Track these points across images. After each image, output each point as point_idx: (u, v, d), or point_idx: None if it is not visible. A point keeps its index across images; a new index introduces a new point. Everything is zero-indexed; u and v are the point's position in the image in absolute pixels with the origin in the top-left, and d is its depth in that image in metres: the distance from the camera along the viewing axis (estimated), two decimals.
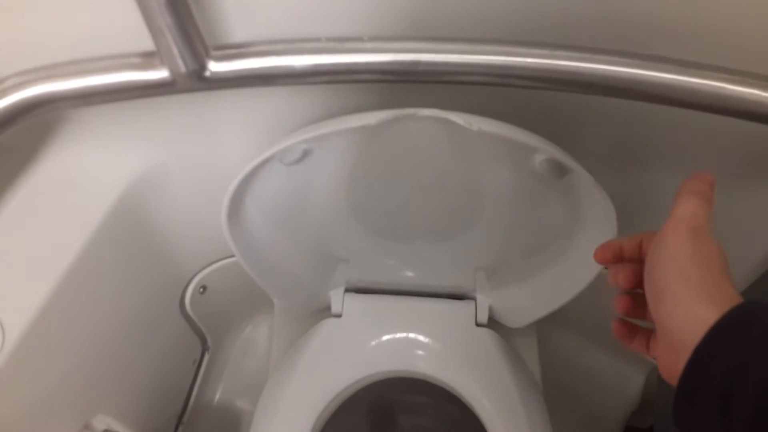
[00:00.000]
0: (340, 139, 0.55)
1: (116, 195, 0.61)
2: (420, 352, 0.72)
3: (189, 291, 0.81)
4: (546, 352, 0.80)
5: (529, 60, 0.43)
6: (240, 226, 0.61)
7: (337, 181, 0.62)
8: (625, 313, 0.40)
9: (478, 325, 0.74)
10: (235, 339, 1.02)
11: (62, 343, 0.58)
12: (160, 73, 0.45)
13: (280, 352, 0.80)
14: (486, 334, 0.73)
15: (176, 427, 0.87)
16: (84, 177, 0.59)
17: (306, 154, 0.55)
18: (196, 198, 0.68)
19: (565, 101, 0.50)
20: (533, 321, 0.72)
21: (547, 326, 0.78)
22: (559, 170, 0.52)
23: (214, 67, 0.45)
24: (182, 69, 0.44)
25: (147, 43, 0.43)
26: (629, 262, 0.41)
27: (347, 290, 0.76)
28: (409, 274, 0.77)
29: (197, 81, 0.45)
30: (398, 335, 0.73)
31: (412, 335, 0.73)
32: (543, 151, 0.50)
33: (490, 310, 0.74)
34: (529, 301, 0.72)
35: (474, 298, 0.75)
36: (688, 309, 0.31)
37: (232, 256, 0.63)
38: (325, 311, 0.76)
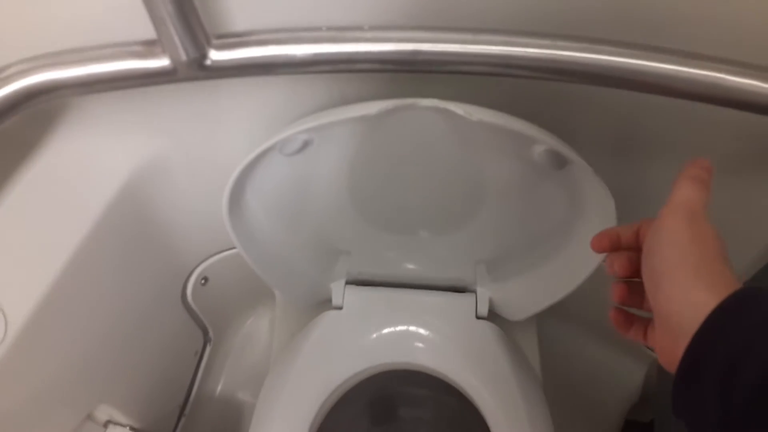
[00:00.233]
0: (340, 129, 0.55)
1: (118, 184, 0.61)
2: (420, 345, 0.72)
3: (191, 282, 0.82)
4: (546, 345, 0.80)
5: (530, 50, 0.43)
6: (241, 218, 0.62)
7: (337, 172, 0.62)
8: (622, 301, 0.41)
9: (478, 317, 0.74)
10: (237, 331, 1.02)
11: (64, 334, 0.58)
12: (161, 62, 0.45)
13: (281, 344, 0.81)
14: (486, 327, 0.73)
15: (178, 419, 0.87)
16: (86, 166, 0.60)
17: (306, 144, 0.56)
18: (198, 188, 0.68)
19: (566, 92, 0.50)
20: (533, 314, 0.72)
21: (547, 319, 0.78)
22: (559, 161, 0.52)
23: (215, 55, 0.45)
24: (183, 57, 0.44)
25: (149, 32, 0.43)
26: (626, 251, 0.41)
27: (348, 282, 0.76)
28: (410, 266, 0.77)
29: (198, 69, 0.45)
30: (399, 328, 0.74)
31: (412, 328, 0.73)
32: (542, 141, 0.50)
33: (491, 302, 0.74)
34: (530, 293, 0.72)
35: (474, 291, 0.75)
36: (688, 293, 0.31)
37: (234, 247, 0.63)
38: (326, 303, 0.76)
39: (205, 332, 0.92)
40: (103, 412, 0.69)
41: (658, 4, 0.44)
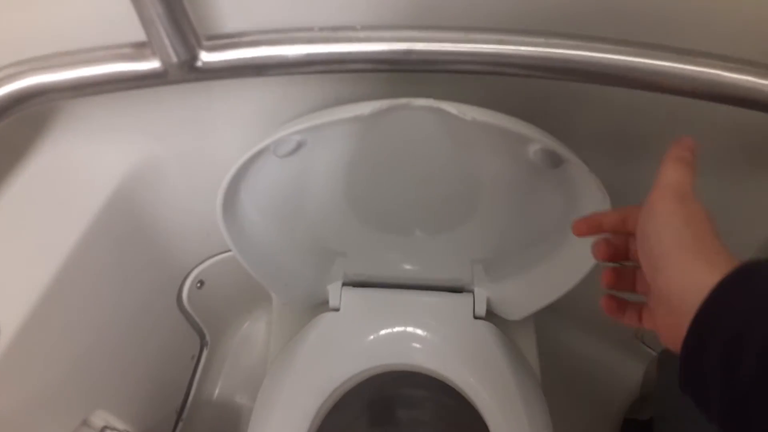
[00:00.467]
0: (333, 129, 0.55)
1: (111, 188, 0.60)
2: (418, 346, 0.72)
3: (186, 286, 0.81)
4: (544, 343, 0.80)
5: (524, 48, 0.42)
6: (236, 220, 0.61)
7: (332, 173, 0.62)
8: (610, 285, 0.41)
9: (476, 317, 0.73)
10: (234, 334, 1.02)
11: (59, 339, 0.58)
12: (152, 64, 0.44)
13: (278, 347, 0.80)
14: (484, 327, 0.73)
15: (176, 423, 0.87)
16: (78, 170, 0.59)
17: (300, 145, 0.55)
18: (192, 191, 0.68)
19: (560, 90, 0.50)
20: (531, 313, 0.72)
21: (545, 318, 0.78)
22: (554, 160, 0.52)
23: (206, 57, 0.45)
24: (174, 59, 0.44)
25: (139, 34, 0.43)
26: (610, 235, 0.42)
27: (345, 284, 0.75)
28: (407, 267, 0.77)
29: (189, 71, 0.45)
30: (396, 329, 0.73)
31: (410, 329, 0.73)
32: (537, 140, 0.49)
33: (488, 302, 0.74)
34: (527, 293, 0.71)
35: (472, 291, 0.74)
36: (688, 272, 0.32)
37: (230, 250, 0.63)
38: (323, 305, 0.76)
39: (202, 336, 0.91)
40: (100, 418, 0.68)
41: (652, 1, 0.43)
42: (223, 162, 0.55)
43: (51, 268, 0.55)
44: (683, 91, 0.42)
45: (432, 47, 0.43)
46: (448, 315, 0.74)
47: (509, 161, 0.57)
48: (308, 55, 0.45)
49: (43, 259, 0.55)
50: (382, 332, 0.73)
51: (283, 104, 0.57)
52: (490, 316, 0.74)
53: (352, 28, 0.45)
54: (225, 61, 0.45)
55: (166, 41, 0.43)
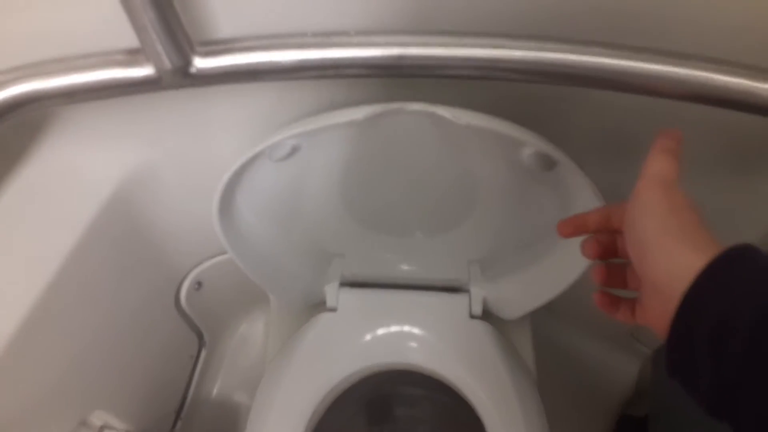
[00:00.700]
0: (328, 134, 0.55)
1: (107, 193, 0.61)
2: (415, 345, 0.72)
3: (184, 287, 0.81)
4: (541, 342, 0.80)
5: (517, 52, 0.43)
6: (232, 223, 0.61)
7: (328, 176, 0.62)
8: (602, 282, 0.42)
9: (472, 317, 0.74)
10: (232, 334, 1.02)
11: (57, 341, 0.58)
12: (145, 70, 0.45)
13: (276, 347, 0.81)
14: (480, 326, 0.73)
15: (174, 423, 0.87)
16: (74, 175, 0.59)
17: (295, 150, 0.55)
18: (189, 195, 0.68)
19: (554, 93, 0.50)
20: (527, 312, 0.72)
21: (541, 317, 0.78)
22: (548, 163, 0.52)
23: (200, 63, 0.45)
24: (167, 66, 0.44)
25: (133, 40, 0.43)
26: (596, 233, 0.42)
27: (342, 284, 0.75)
28: (404, 267, 0.77)
29: (183, 78, 0.45)
30: (393, 328, 0.73)
31: (407, 328, 0.73)
32: (531, 143, 0.49)
33: (485, 302, 0.74)
34: (523, 292, 0.72)
35: (468, 291, 0.75)
36: (673, 258, 0.32)
37: (228, 252, 0.63)
38: (320, 305, 0.76)
39: (200, 336, 0.92)
40: (98, 418, 0.68)
41: (644, 4, 0.43)
42: (219, 166, 0.55)
43: (48, 271, 0.55)
44: (675, 94, 0.42)
45: (425, 52, 0.43)
46: (445, 314, 0.74)
47: (503, 164, 0.57)
48: (301, 60, 0.45)
49: (40, 262, 0.55)
50: (379, 332, 0.73)
51: (278, 108, 0.57)
52: (487, 315, 0.75)
53: (345, 34, 0.45)
54: (219, 67, 0.45)
55: (159, 47, 0.43)
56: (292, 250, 0.72)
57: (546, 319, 0.82)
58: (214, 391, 0.99)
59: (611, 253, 0.42)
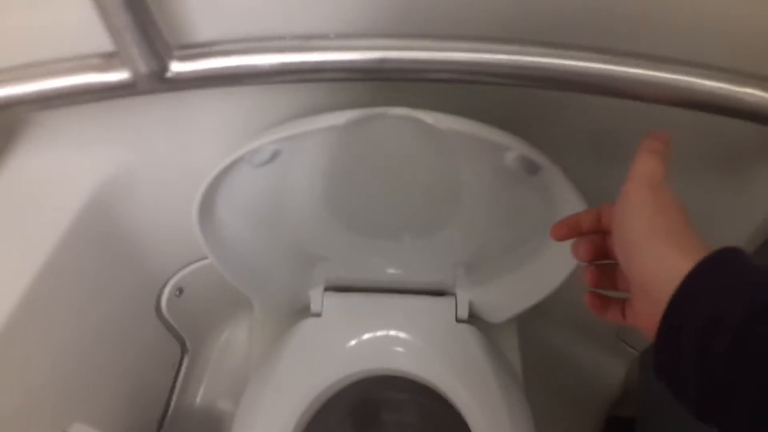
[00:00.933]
0: (309, 139, 0.54)
1: (85, 199, 0.59)
2: (401, 350, 0.72)
3: (165, 294, 0.80)
4: (527, 344, 0.80)
5: (499, 56, 0.42)
6: (213, 229, 0.60)
7: (310, 181, 0.61)
8: (594, 284, 0.41)
9: (458, 320, 0.73)
10: (215, 340, 1.01)
11: (33, 351, 0.57)
12: (120, 75, 0.44)
13: (260, 353, 0.80)
14: (466, 330, 0.72)
15: None
16: (50, 182, 0.58)
17: (275, 154, 0.54)
18: (168, 200, 0.67)
19: (538, 97, 0.50)
20: (514, 315, 0.72)
21: (528, 319, 0.78)
22: (531, 167, 0.52)
23: (177, 67, 0.44)
24: (143, 70, 0.43)
25: (108, 43, 0.42)
26: (588, 235, 0.42)
27: (327, 289, 0.75)
28: (389, 271, 0.76)
29: (159, 82, 0.44)
30: (379, 333, 0.73)
31: (392, 332, 0.73)
32: (513, 148, 0.49)
33: (471, 305, 0.74)
34: (509, 295, 0.71)
35: (454, 294, 0.74)
36: (660, 260, 0.32)
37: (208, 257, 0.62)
38: (305, 310, 0.75)
39: (182, 343, 0.90)
40: (78, 430, 0.67)
41: (628, 8, 0.43)
42: (199, 170, 0.54)
43: (24, 279, 0.54)
44: (659, 99, 0.42)
45: (406, 55, 0.43)
46: (431, 318, 0.73)
47: (487, 168, 0.57)
48: (281, 64, 0.44)
49: (15, 270, 0.54)
50: (365, 337, 0.73)
51: (258, 112, 0.56)
52: (473, 318, 0.74)
53: (325, 37, 0.44)
54: (196, 71, 0.44)
55: (135, 51, 0.42)
56: (275, 255, 0.71)
57: (533, 321, 0.82)
58: (198, 400, 0.97)
59: (602, 255, 0.41)
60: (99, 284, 0.66)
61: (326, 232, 0.70)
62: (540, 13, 0.44)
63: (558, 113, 0.53)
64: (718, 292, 0.29)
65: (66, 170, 0.59)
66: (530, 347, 0.81)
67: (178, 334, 0.88)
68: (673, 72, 0.41)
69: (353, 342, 0.72)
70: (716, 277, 0.29)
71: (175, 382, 0.90)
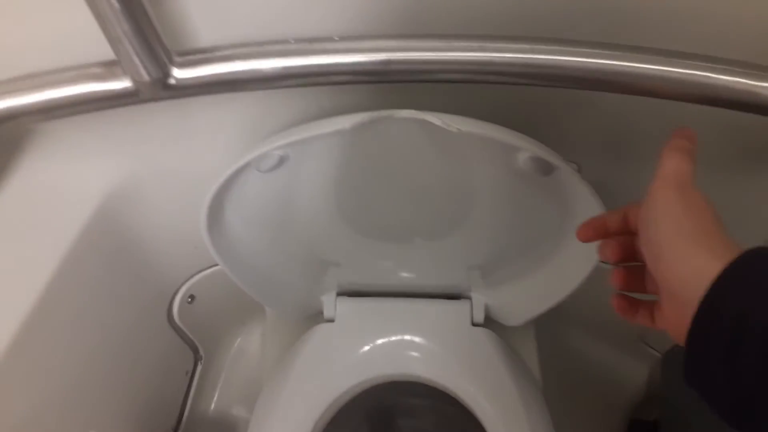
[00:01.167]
0: (316, 143, 0.53)
1: (92, 208, 0.59)
2: (416, 355, 0.71)
3: (176, 301, 0.80)
4: (547, 347, 0.79)
5: (508, 55, 0.41)
6: (222, 235, 0.60)
7: (319, 185, 0.60)
8: (622, 286, 0.40)
9: (474, 324, 0.72)
10: (229, 347, 1.01)
11: (46, 362, 0.56)
12: (123, 83, 0.43)
13: (273, 360, 0.79)
14: (483, 334, 0.71)
15: None
16: (57, 192, 0.58)
17: (283, 160, 0.54)
18: (177, 206, 0.67)
19: (549, 95, 0.48)
20: (531, 318, 0.71)
21: (546, 322, 0.77)
22: (545, 167, 0.50)
23: (179, 74, 0.43)
24: (145, 77, 0.42)
25: (109, 52, 0.41)
26: (616, 236, 0.40)
27: (339, 294, 0.74)
28: (402, 275, 0.75)
29: (161, 89, 0.44)
30: (393, 338, 0.72)
31: (407, 337, 0.72)
32: (526, 149, 0.48)
33: (487, 308, 0.73)
34: (526, 298, 0.70)
35: (469, 298, 0.73)
36: (689, 261, 0.31)
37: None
38: (317, 316, 0.74)
39: (195, 351, 0.90)
40: None
41: (639, 3, 0.41)
42: (206, 177, 0.54)
43: (34, 292, 0.53)
44: (673, 95, 0.40)
45: (412, 56, 0.42)
46: (446, 322, 0.72)
47: (499, 169, 0.55)
48: (284, 68, 0.43)
49: (25, 282, 0.54)
50: (379, 342, 0.72)
51: (264, 117, 0.55)
52: (489, 322, 0.73)
53: (329, 39, 0.43)
54: (198, 77, 0.44)
55: (136, 59, 0.41)
56: (286, 261, 0.70)
57: (551, 324, 0.81)
58: (212, 407, 0.97)
59: (629, 256, 0.40)
60: (110, 293, 0.66)
61: (337, 236, 0.69)
62: (549, 9, 0.42)
63: (570, 112, 0.52)
64: (748, 295, 0.28)
65: (72, 180, 0.58)
66: (549, 350, 0.79)
67: (191, 342, 0.87)
68: (688, 67, 0.39)
69: (367, 347, 0.71)
70: (746, 279, 0.28)
71: (188, 389, 0.90)
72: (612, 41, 0.40)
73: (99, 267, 0.63)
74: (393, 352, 0.71)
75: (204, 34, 0.46)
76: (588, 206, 0.50)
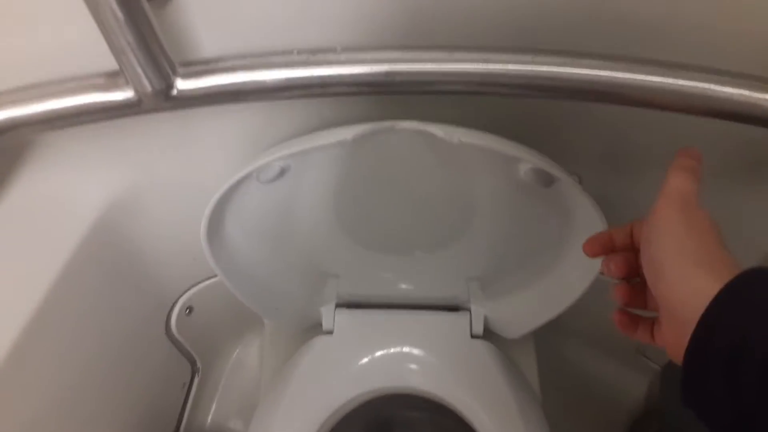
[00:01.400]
0: (317, 155, 0.53)
1: (92, 219, 0.59)
2: (415, 367, 0.70)
3: (175, 313, 0.80)
4: (546, 360, 0.78)
5: (510, 66, 0.41)
6: (222, 247, 0.60)
7: (320, 196, 0.60)
8: (624, 302, 0.40)
9: (473, 336, 0.72)
10: (226, 359, 1.00)
11: (44, 371, 0.56)
12: (125, 94, 0.43)
13: (271, 372, 0.79)
14: (482, 346, 0.71)
15: None
16: (58, 202, 0.58)
17: (284, 171, 0.54)
18: (177, 218, 0.66)
19: (552, 107, 0.49)
20: (530, 330, 0.70)
21: (545, 334, 0.77)
22: (546, 179, 0.50)
23: (182, 84, 0.43)
24: (148, 88, 0.42)
25: (112, 62, 0.41)
26: (621, 252, 0.41)
27: (338, 305, 0.74)
28: (402, 286, 0.75)
29: (164, 100, 0.44)
30: (392, 350, 0.71)
31: (406, 349, 0.71)
32: (527, 160, 0.48)
33: (486, 320, 0.72)
34: (526, 310, 0.70)
35: (469, 309, 0.73)
36: (689, 280, 0.31)
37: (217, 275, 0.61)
38: (316, 328, 0.74)
39: (193, 363, 0.89)
40: None
41: (641, 15, 0.42)
42: (207, 188, 0.54)
43: (33, 302, 0.53)
44: (676, 107, 0.41)
45: (414, 68, 0.42)
46: (445, 334, 0.72)
47: (500, 181, 0.55)
48: (287, 80, 0.43)
49: (24, 293, 0.53)
50: (378, 354, 0.71)
51: (266, 128, 0.55)
52: (488, 334, 0.73)
53: (332, 51, 0.43)
54: (201, 88, 0.44)
55: (139, 70, 0.41)
56: (285, 271, 0.70)
57: (550, 336, 0.80)
58: (209, 420, 0.96)
59: (633, 272, 0.40)
60: (108, 304, 0.66)
61: (337, 248, 0.69)
62: (551, 21, 0.43)
63: (572, 123, 0.52)
64: (746, 314, 0.28)
65: (73, 191, 0.58)
66: (548, 363, 0.79)
67: (189, 353, 0.87)
68: (691, 79, 0.40)
69: (366, 359, 0.71)
70: (744, 299, 0.28)
71: (185, 401, 0.89)
72: (614, 53, 0.40)
73: (98, 278, 0.62)
74: (392, 365, 0.71)
75: (207, 45, 0.46)
76: (589, 218, 0.51)
